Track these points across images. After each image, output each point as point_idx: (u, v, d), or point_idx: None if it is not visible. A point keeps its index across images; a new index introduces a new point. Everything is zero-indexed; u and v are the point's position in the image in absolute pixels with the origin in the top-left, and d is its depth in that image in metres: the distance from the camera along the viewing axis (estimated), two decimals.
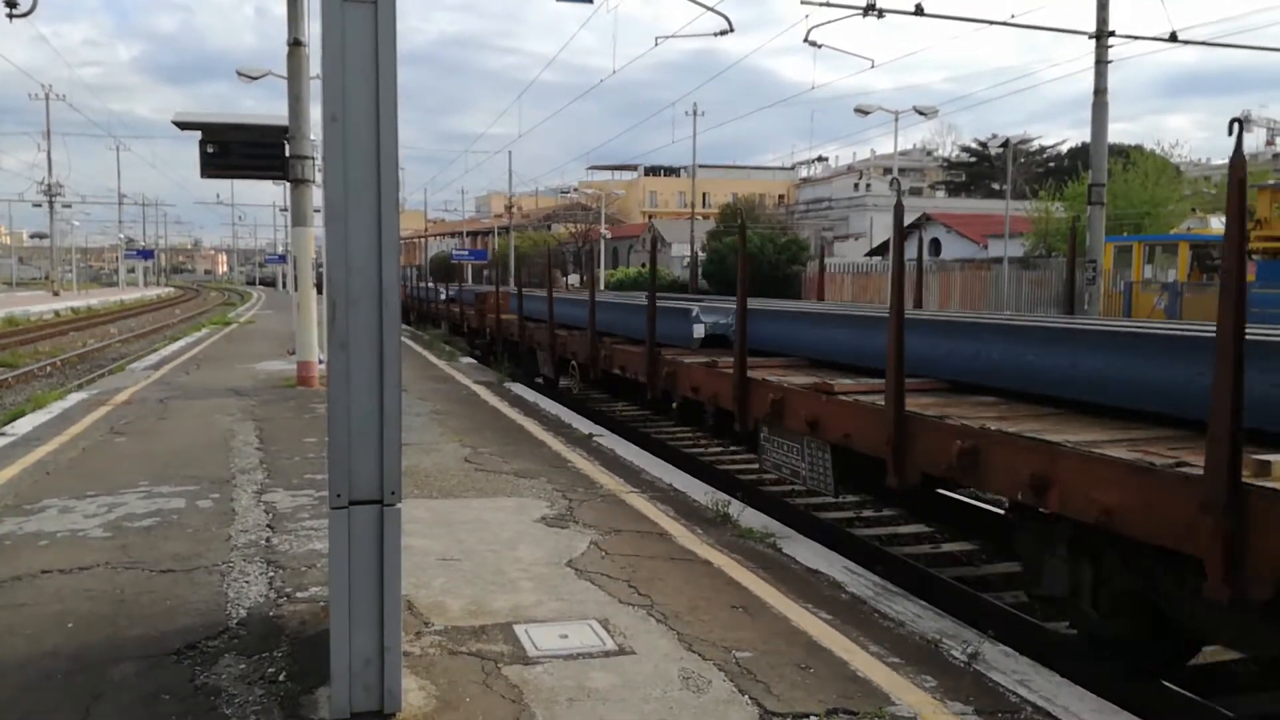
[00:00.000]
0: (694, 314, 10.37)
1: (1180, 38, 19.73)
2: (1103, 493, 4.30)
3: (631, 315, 11.55)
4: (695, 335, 10.30)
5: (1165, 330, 5.64)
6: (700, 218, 57.59)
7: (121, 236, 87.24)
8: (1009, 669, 4.46)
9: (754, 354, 8.27)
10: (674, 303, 11.94)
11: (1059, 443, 4.65)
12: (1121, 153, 42.10)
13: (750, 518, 7.03)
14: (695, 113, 53.46)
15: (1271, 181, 28.83)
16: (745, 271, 7.97)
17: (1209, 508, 3.71)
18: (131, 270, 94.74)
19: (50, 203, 61.69)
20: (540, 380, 15.20)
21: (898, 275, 5.87)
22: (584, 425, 11.22)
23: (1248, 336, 3.71)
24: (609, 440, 10.27)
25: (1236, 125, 3.81)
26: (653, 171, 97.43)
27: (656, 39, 39.87)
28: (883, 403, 5.85)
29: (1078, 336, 5.71)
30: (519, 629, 4.73)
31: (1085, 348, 5.55)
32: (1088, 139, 20.24)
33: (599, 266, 58.52)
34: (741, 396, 7.77)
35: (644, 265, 56.76)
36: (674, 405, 11.55)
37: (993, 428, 5.12)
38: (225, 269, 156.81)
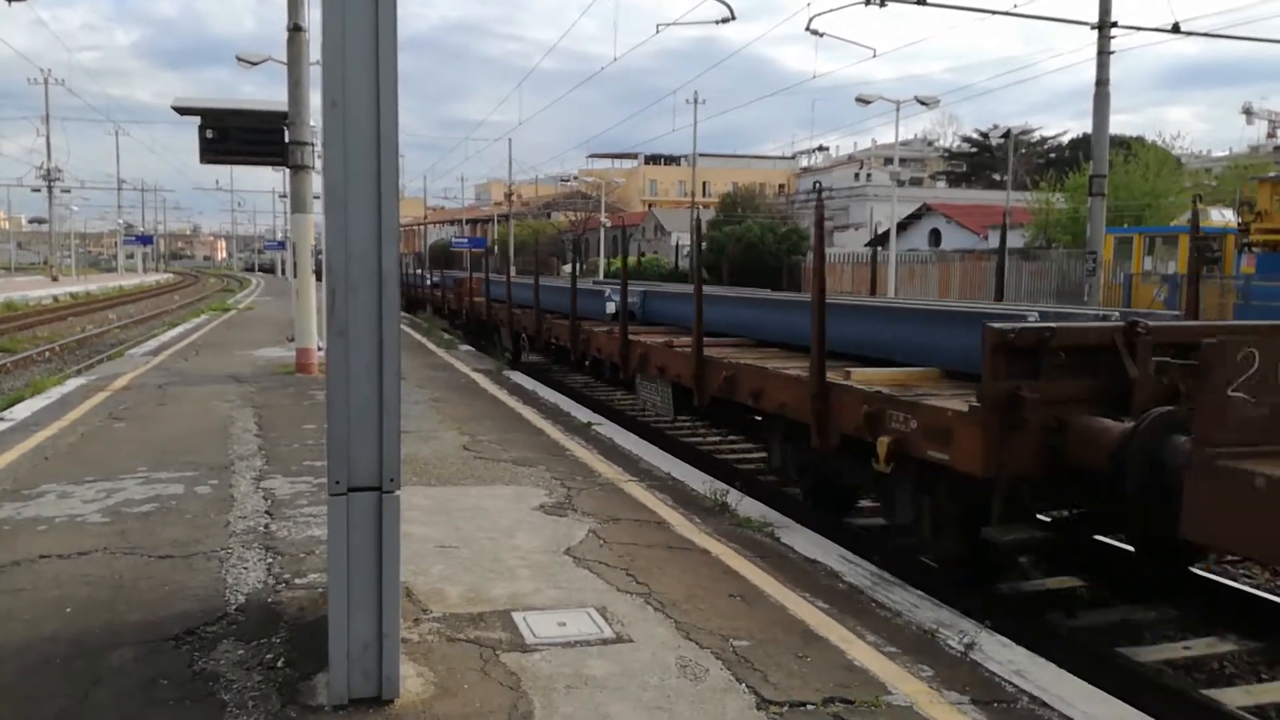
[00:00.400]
0: (607, 294, 13.26)
1: (1183, 29, 19.67)
2: (781, 393, 7.51)
3: (565, 296, 14.14)
4: (608, 311, 13.01)
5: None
6: (701, 206, 57.48)
7: (120, 222, 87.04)
8: (1005, 659, 4.48)
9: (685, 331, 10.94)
10: (596, 288, 15.16)
11: (765, 367, 7.95)
12: (1123, 144, 42.04)
13: (748, 507, 7.04)
14: (696, 101, 53.39)
15: (1272, 174, 28.80)
16: (622, 268, 10.83)
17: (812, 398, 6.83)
18: (130, 256, 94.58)
19: (49, 188, 61.55)
20: (507, 355, 18.10)
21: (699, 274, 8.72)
22: (583, 414, 11.22)
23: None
24: (607, 429, 10.28)
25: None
26: (653, 160, 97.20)
27: (658, 26, 39.81)
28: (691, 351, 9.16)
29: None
30: (517, 616, 4.74)
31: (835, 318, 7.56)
32: (1089, 130, 20.20)
33: (599, 255, 58.48)
34: (624, 353, 11.00)
35: (642, 254, 56.73)
36: (586, 363, 14.40)
37: (741, 361, 8.46)
38: (224, 255, 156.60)
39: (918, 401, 5.85)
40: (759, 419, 9.04)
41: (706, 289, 10.05)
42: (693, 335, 9.14)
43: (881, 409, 6.12)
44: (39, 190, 62.17)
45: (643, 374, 10.80)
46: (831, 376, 6.81)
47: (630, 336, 11.04)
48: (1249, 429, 4.20)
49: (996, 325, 5.29)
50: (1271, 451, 4.14)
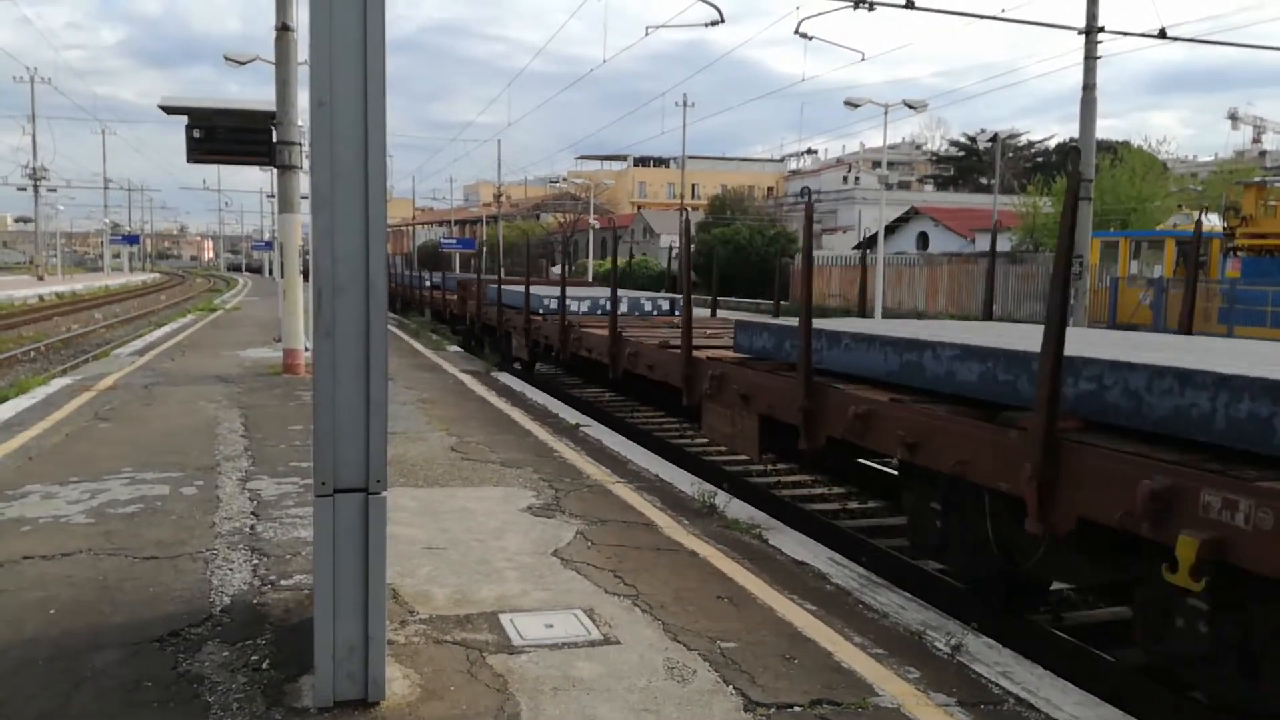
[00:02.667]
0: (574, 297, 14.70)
1: (1169, 35, 19.79)
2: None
3: (551, 298, 15.12)
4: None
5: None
6: (690, 209, 57.49)
7: (106, 221, 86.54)
8: (992, 660, 4.48)
9: None
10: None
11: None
12: (1109, 149, 42.27)
13: (736, 509, 7.05)
14: (685, 104, 53.40)
15: (1257, 179, 28.98)
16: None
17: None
18: (116, 255, 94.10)
19: (35, 187, 61.19)
20: (518, 364, 17.64)
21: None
22: (571, 415, 11.21)
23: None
24: (596, 430, 10.27)
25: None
26: (642, 162, 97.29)
27: (647, 29, 39.85)
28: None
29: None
30: (504, 618, 4.72)
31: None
32: (1076, 134, 20.31)
33: (588, 256, 58.43)
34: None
35: (631, 257, 56.69)
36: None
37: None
38: (211, 255, 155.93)
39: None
40: None
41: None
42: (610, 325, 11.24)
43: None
44: (25, 189, 61.77)
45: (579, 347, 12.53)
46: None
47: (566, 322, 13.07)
48: None
49: None
50: None
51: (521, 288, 15.96)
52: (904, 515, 6.71)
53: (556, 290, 14.71)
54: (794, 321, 7.05)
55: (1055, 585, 5.88)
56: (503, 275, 22.14)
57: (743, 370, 7.68)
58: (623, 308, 13.20)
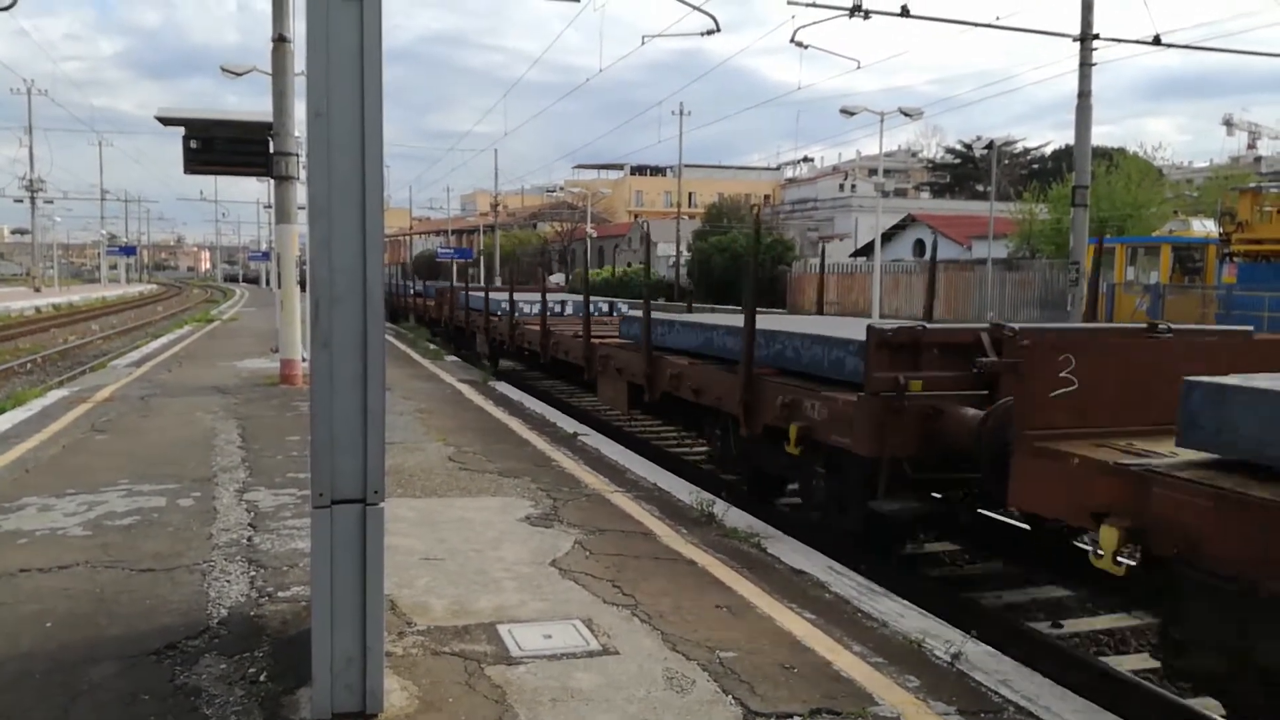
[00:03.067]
0: (526, 300, 16.86)
1: (1164, 41, 19.85)
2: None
3: (504, 301, 17.47)
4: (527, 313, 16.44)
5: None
6: (686, 217, 57.60)
7: (104, 233, 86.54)
8: (991, 669, 4.48)
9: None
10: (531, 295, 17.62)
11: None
12: (1105, 155, 42.35)
13: (734, 517, 7.03)
14: (681, 112, 53.52)
15: (1253, 185, 29.05)
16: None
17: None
18: (113, 266, 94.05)
19: (32, 198, 61.19)
20: (474, 352, 20.52)
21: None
22: (568, 424, 11.20)
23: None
24: (594, 439, 10.26)
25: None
26: (639, 171, 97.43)
27: (643, 38, 39.83)
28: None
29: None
30: (502, 629, 4.71)
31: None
32: (1071, 141, 20.35)
33: (585, 265, 58.45)
34: (545, 341, 14.23)
35: (630, 265, 56.75)
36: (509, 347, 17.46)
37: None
38: (208, 265, 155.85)
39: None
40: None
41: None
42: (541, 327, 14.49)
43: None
44: (21, 201, 61.80)
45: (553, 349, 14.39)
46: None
47: (549, 327, 14.50)
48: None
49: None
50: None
51: (502, 295, 18.67)
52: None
53: (531, 297, 17.26)
54: (668, 315, 10.99)
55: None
56: (470, 283, 24.91)
57: (619, 351, 10.98)
58: (568, 309, 16.34)
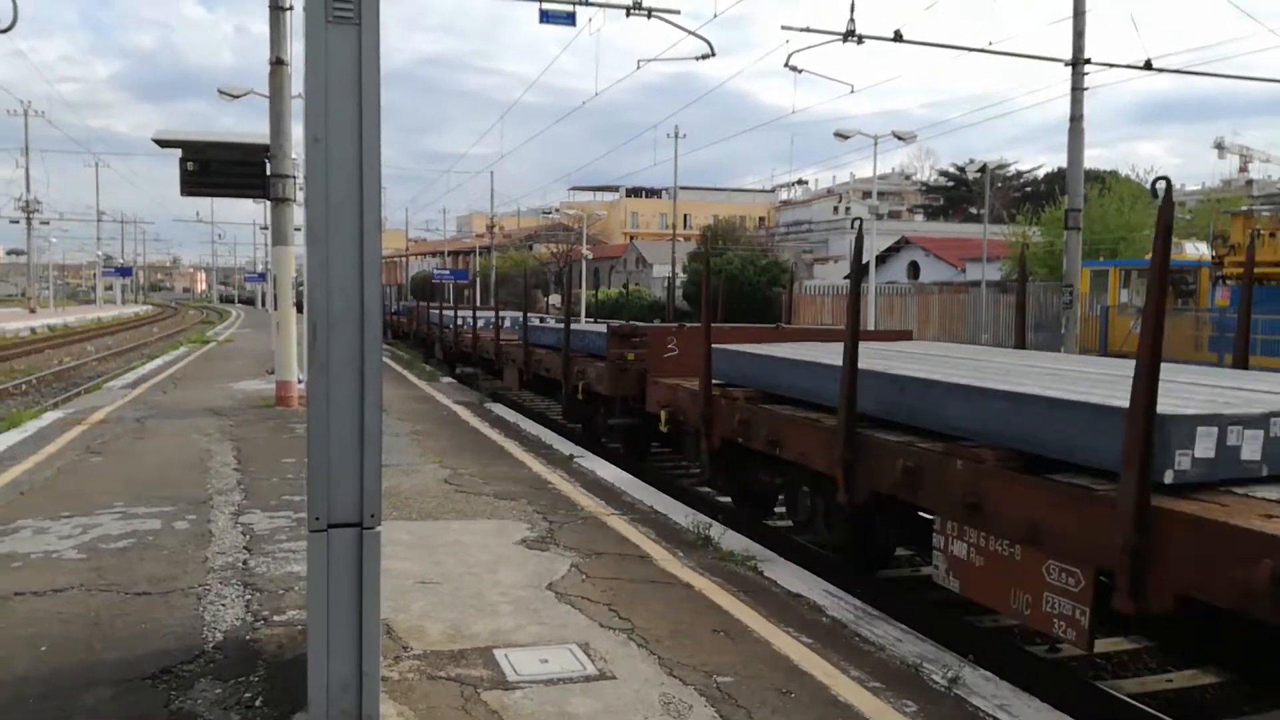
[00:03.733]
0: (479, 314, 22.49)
1: (1155, 66, 20.01)
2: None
3: (464, 317, 22.85)
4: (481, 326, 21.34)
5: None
6: (681, 239, 57.70)
7: (99, 254, 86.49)
8: (989, 694, 4.47)
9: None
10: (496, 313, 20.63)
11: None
12: (1097, 179, 42.58)
13: (731, 540, 7.03)
14: (676, 135, 53.69)
15: (1245, 207, 29.21)
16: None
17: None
18: (109, 288, 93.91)
19: (28, 219, 61.17)
20: (442, 361, 24.89)
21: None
22: (565, 446, 11.19)
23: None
24: (589, 461, 10.26)
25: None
26: (634, 193, 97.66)
27: (639, 62, 40.03)
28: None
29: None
30: (499, 653, 4.70)
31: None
32: (1064, 164, 20.48)
33: (580, 286, 58.54)
34: (497, 350, 17.94)
35: (625, 286, 56.86)
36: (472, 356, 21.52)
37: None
38: (204, 287, 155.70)
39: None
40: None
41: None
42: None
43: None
44: (17, 222, 61.75)
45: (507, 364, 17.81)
46: None
47: (500, 339, 18.44)
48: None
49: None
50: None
51: (450, 311, 24.49)
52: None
53: (468, 312, 23.66)
54: (599, 327, 14.19)
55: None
56: (442, 304, 28.46)
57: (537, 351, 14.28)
58: (505, 323, 19.15)
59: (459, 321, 22.52)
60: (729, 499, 9.04)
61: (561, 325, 13.75)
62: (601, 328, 13.19)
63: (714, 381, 8.13)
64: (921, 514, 6.13)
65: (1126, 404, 4.07)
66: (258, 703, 4.08)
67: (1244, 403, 4.62)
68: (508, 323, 19.29)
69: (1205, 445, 4.23)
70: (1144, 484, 3.94)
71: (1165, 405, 4.19)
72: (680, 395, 8.97)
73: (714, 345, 8.15)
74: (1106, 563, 4.15)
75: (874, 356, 7.05)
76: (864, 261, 6.03)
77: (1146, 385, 3.99)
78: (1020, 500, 4.66)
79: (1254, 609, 3.59)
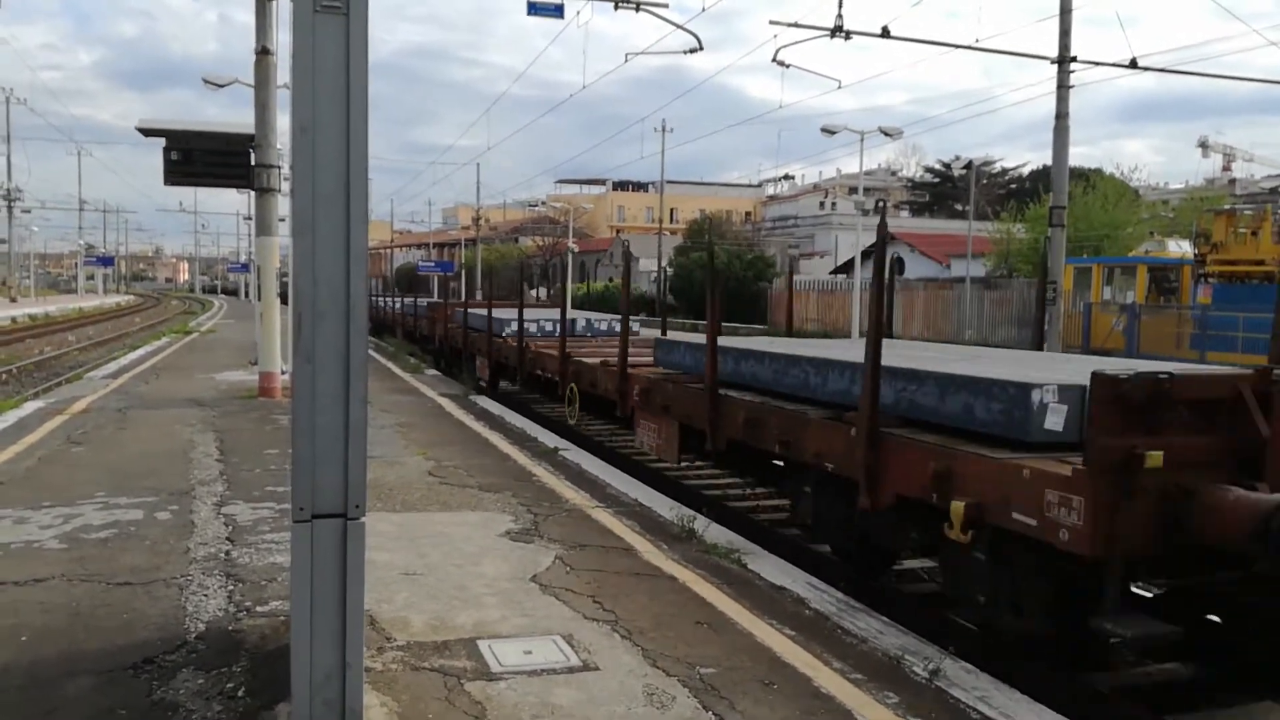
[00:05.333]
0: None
1: (1140, 64, 20.11)
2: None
3: (422, 306, 26.19)
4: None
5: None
6: (668, 233, 57.76)
7: (81, 243, 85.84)
8: (970, 685, 4.50)
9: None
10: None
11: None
12: (1082, 176, 42.79)
13: (715, 533, 7.05)
14: (664, 129, 53.72)
15: (1228, 206, 29.43)
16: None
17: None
18: (91, 277, 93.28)
19: (9, 208, 60.65)
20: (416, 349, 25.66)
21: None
22: (549, 439, 11.20)
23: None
24: (574, 454, 10.26)
25: None
26: (621, 186, 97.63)
27: (626, 55, 40.04)
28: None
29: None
30: (482, 645, 4.70)
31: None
32: (1049, 161, 20.57)
33: (566, 279, 58.48)
34: (415, 325, 24.90)
35: (611, 280, 56.83)
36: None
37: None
38: (187, 277, 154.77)
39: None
40: None
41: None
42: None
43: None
44: None
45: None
46: None
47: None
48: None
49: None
50: None
51: (410, 300, 28.72)
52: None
53: (425, 301, 27.12)
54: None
55: None
56: (400, 295, 31.02)
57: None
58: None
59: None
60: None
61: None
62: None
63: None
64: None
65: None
66: (240, 693, 4.07)
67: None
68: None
69: None
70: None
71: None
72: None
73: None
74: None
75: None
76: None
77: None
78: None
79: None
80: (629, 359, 9.86)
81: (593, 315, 17.47)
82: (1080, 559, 4.43)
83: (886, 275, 6.07)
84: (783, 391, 7.18)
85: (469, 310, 18.99)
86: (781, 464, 7.45)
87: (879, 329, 5.65)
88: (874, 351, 5.56)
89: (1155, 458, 4.32)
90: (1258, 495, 4.35)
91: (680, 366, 9.11)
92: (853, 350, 7.01)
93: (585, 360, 11.38)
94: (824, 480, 6.50)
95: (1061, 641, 5.25)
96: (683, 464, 9.66)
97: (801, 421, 6.53)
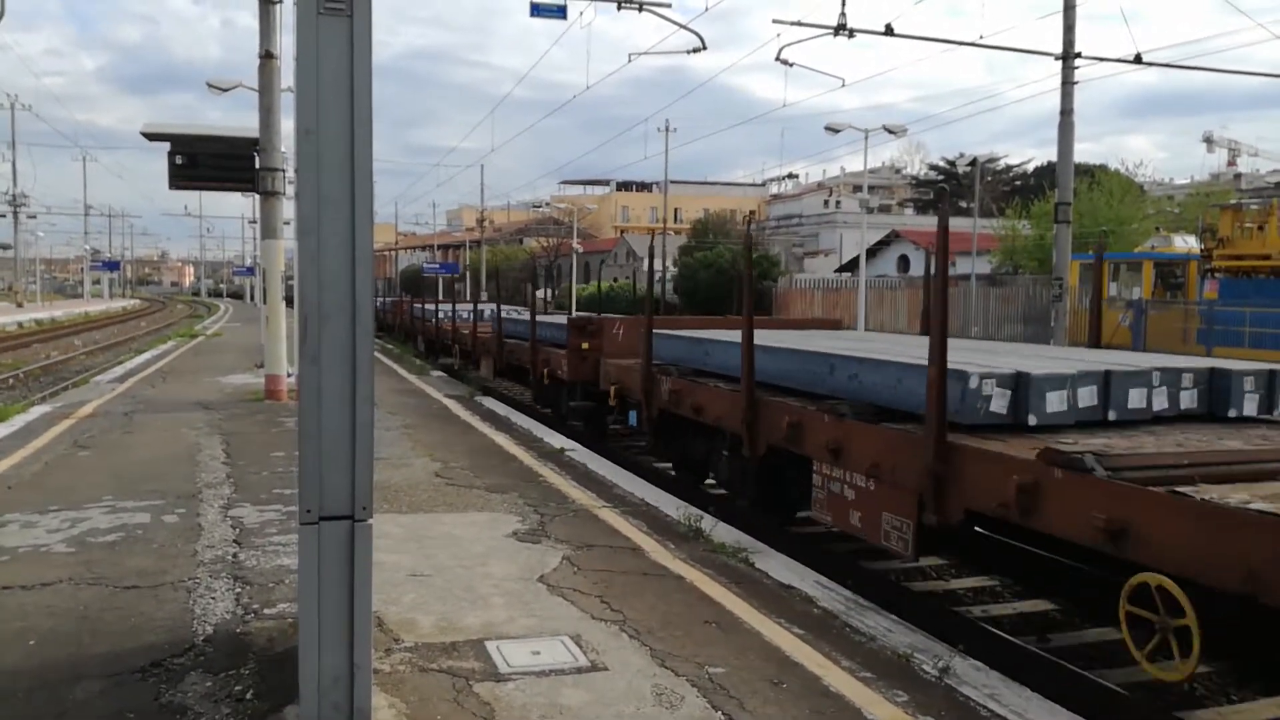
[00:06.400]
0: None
1: (1144, 60, 20.06)
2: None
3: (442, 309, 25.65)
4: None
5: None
6: (672, 233, 57.73)
7: (87, 248, 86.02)
8: (980, 683, 4.48)
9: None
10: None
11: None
12: (1086, 172, 42.67)
13: (722, 532, 7.04)
14: (667, 129, 53.65)
15: (1233, 201, 29.34)
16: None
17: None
18: (97, 282, 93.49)
19: (15, 213, 60.83)
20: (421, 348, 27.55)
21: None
22: (555, 439, 11.19)
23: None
24: (580, 454, 10.25)
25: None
26: (625, 187, 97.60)
27: (630, 56, 40.04)
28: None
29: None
30: (490, 645, 4.70)
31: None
32: (1053, 158, 20.52)
33: (571, 280, 58.53)
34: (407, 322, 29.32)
35: (615, 280, 56.83)
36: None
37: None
38: (192, 280, 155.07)
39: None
40: None
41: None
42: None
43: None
44: (4, 215, 61.41)
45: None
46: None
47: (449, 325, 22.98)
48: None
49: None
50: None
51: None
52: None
53: (419, 304, 29.44)
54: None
55: None
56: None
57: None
58: (445, 311, 23.52)
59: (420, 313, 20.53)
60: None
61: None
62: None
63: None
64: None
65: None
66: (248, 696, 4.07)
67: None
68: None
69: None
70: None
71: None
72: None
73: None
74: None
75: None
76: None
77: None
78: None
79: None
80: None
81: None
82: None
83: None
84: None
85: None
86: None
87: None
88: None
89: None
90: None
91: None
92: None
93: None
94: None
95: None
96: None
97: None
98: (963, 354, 6.59)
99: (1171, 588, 4.14)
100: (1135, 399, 5.90)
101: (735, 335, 8.37)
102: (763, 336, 8.10)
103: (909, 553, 5.83)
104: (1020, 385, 5.67)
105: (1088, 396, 5.76)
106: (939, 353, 5.42)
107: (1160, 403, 5.99)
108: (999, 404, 5.66)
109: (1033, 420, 5.59)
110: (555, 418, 13.84)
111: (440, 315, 24.27)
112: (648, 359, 9.70)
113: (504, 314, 17.81)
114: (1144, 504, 4.23)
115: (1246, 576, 3.77)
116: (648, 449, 11.21)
